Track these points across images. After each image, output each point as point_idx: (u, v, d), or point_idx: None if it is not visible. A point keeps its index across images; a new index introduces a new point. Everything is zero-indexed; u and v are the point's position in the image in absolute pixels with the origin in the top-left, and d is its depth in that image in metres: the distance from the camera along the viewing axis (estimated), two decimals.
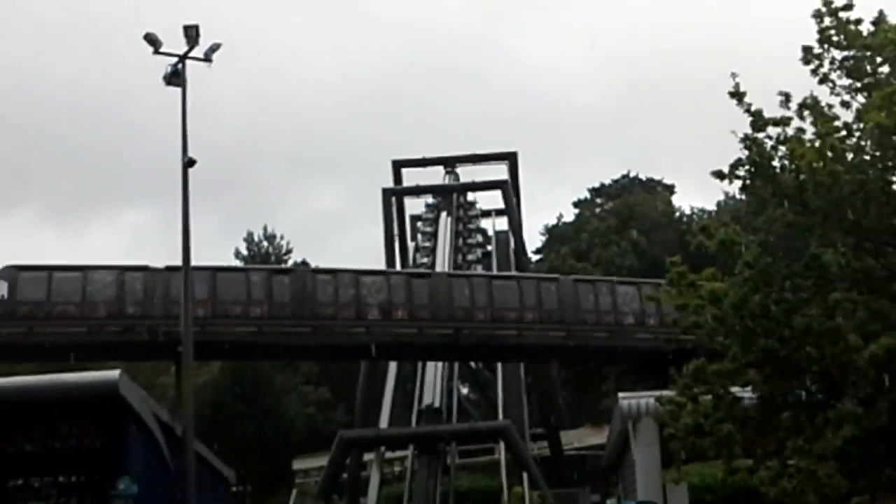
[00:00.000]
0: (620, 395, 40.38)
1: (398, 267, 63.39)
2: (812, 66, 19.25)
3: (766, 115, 18.55)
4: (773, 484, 19.03)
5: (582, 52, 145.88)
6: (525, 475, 41.67)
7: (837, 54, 19.09)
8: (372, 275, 51.77)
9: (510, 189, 66.93)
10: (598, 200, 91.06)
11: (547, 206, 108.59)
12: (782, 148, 18.36)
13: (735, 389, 19.29)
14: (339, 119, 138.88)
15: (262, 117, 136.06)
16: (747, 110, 18.57)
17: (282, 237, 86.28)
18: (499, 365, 56.46)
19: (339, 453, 46.15)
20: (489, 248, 69.24)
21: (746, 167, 18.72)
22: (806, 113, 18.63)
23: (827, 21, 18.98)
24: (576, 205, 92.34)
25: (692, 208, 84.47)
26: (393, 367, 52.98)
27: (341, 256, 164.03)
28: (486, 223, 71.74)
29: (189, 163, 27.20)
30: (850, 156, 17.73)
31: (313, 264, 79.91)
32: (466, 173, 70.44)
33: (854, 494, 18.53)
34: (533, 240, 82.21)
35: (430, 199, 70.04)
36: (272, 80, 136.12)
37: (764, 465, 19.29)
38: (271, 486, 52.17)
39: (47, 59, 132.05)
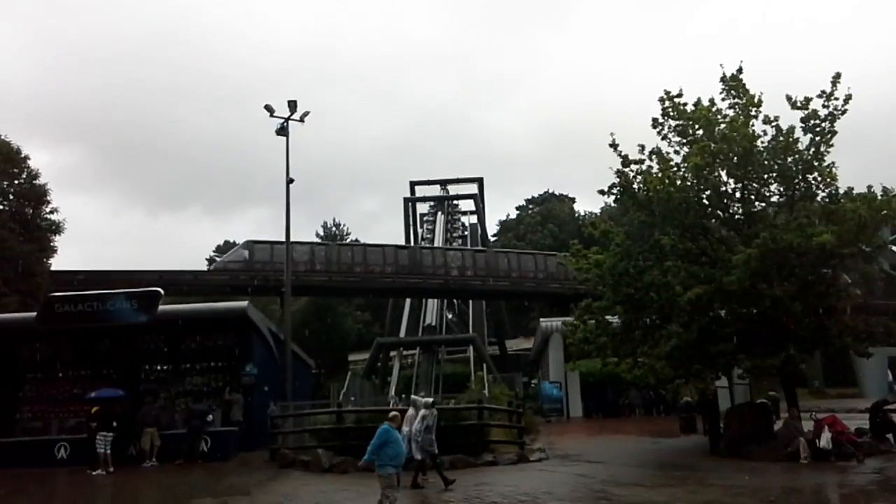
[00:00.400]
0: (541, 319, 40.62)
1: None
2: (657, 129, 19.21)
3: (630, 157, 18.62)
4: (629, 372, 19.20)
5: (523, 118, 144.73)
6: (484, 365, 41.76)
7: (672, 123, 19.04)
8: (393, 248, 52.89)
9: (479, 199, 67.07)
10: (530, 206, 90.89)
11: (500, 210, 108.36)
12: (639, 177, 18.40)
13: (608, 317, 19.37)
14: (378, 156, 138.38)
15: (333, 154, 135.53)
16: (619, 154, 18.63)
17: (344, 225, 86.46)
18: (470, 301, 56.52)
19: (376, 352, 46.31)
20: (466, 234, 69.38)
21: (618, 188, 18.71)
22: (653, 157, 18.68)
23: (667, 103, 18.97)
24: (517, 209, 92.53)
25: (586, 212, 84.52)
26: (408, 302, 53.04)
27: (378, 237, 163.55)
28: (464, 219, 71.98)
29: (290, 181, 27.35)
30: (678, 182, 17.74)
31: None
32: (453, 189, 70.44)
33: (676, 378, 18.65)
34: (492, 229, 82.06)
35: (431, 204, 70.03)
36: (340, 131, 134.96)
37: (624, 361, 19.40)
38: (335, 370, 52.10)
39: (216, 116, 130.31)
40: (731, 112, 18.75)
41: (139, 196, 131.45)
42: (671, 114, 18.96)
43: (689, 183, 17.84)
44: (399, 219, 65.74)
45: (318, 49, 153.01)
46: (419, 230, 67.01)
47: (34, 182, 38.42)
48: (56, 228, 39.07)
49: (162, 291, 21.78)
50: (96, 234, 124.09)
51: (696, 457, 18.56)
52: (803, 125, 17.85)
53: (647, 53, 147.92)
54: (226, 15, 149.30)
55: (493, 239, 76.89)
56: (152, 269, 45.66)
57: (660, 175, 17.85)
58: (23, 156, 38.05)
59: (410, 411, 15.39)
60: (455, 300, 58.34)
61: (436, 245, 60.83)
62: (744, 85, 18.68)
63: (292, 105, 27.23)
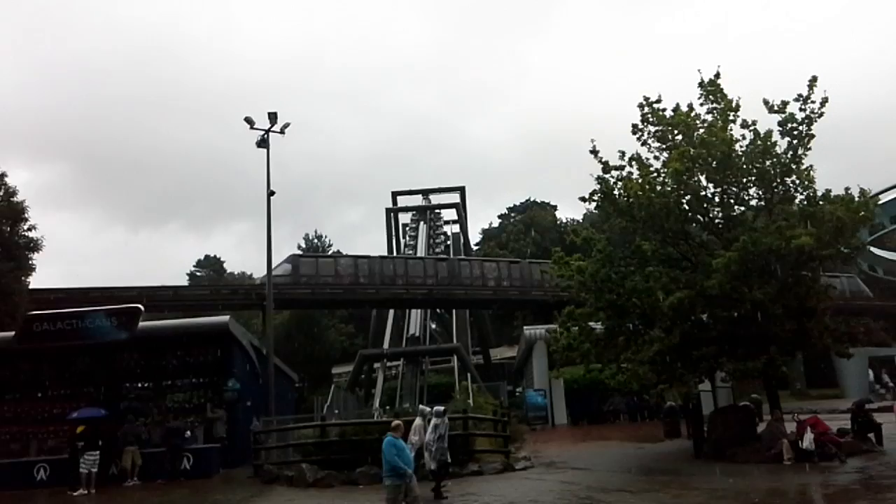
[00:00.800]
0: (525, 327, 40.65)
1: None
2: (637, 136, 19.29)
3: (611, 164, 18.67)
4: (612, 378, 19.22)
5: (505, 127, 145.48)
6: (468, 375, 41.63)
7: (652, 129, 19.12)
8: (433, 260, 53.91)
9: (461, 208, 67.11)
10: (513, 214, 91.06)
11: (483, 219, 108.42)
12: (620, 183, 18.45)
13: (591, 324, 19.39)
14: (361, 167, 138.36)
15: (316, 167, 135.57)
16: (600, 161, 18.68)
17: (325, 236, 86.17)
18: (454, 310, 56.41)
19: (360, 363, 46.03)
20: (448, 243, 69.30)
21: (599, 194, 18.76)
22: (633, 163, 18.73)
23: (646, 109, 19.06)
24: (500, 217, 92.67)
25: (568, 219, 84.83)
26: (391, 313, 52.87)
27: (361, 248, 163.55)
28: (446, 228, 71.87)
29: (270, 193, 27.19)
30: (658, 188, 17.83)
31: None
32: (435, 198, 70.45)
33: (660, 384, 18.70)
34: (475, 238, 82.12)
35: (413, 214, 69.95)
36: (322, 144, 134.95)
37: (608, 367, 19.42)
38: (319, 383, 51.78)
39: (198, 130, 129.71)
40: (709, 117, 18.87)
41: (120, 212, 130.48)
42: (650, 119, 19.04)
43: (669, 188, 17.92)
44: (382, 230, 65.76)
45: (299, 62, 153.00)
46: (402, 240, 66.93)
47: (11, 199, 37.85)
48: (34, 246, 38.40)
49: (142, 308, 21.57)
50: (77, 251, 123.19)
51: (681, 461, 18.61)
52: (781, 129, 17.97)
53: (627, 60, 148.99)
54: (207, 29, 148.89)
55: (475, 248, 76.91)
56: (131, 285, 45.22)
57: (640, 181, 17.91)
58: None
59: (417, 421, 15.25)
60: (439, 310, 58.23)
61: (418, 254, 60.94)
62: (721, 90, 18.79)
63: (272, 117, 27.11)
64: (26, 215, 37.74)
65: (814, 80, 17.63)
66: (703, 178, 18.33)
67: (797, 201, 18.18)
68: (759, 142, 17.99)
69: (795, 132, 17.85)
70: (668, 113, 18.93)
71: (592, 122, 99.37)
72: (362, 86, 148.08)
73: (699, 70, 19.16)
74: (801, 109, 17.79)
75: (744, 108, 18.63)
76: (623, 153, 18.73)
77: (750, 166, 18.11)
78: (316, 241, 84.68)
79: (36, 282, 40.26)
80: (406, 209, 68.95)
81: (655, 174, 18.32)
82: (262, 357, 25.74)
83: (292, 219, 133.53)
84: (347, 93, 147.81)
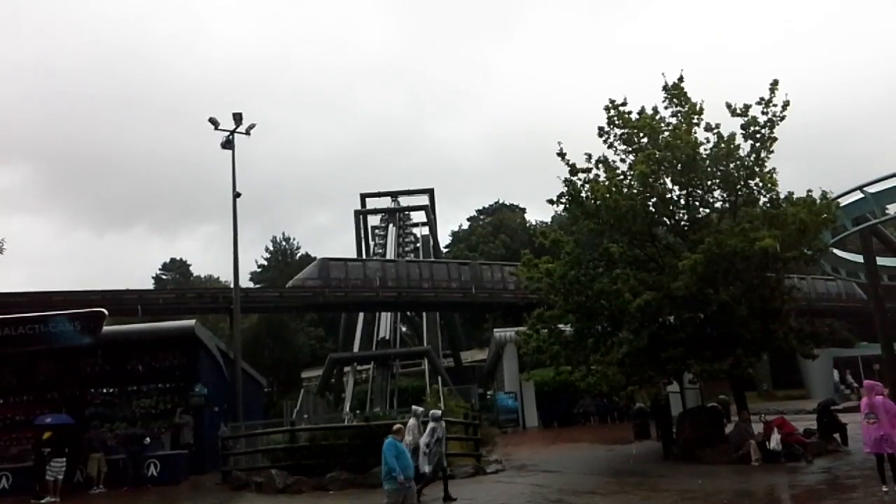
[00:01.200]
0: (495, 330, 40.77)
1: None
2: (604, 138, 19.42)
3: (578, 166, 18.81)
4: (582, 380, 19.24)
5: (473, 130, 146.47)
6: (439, 378, 41.70)
7: (618, 131, 19.27)
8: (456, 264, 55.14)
9: (430, 210, 67.23)
10: (482, 217, 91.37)
11: (452, 221, 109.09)
12: (587, 186, 18.59)
13: (560, 326, 19.50)
14: (329, 170, 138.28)
15: (284, 169, 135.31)
16: (567, 163, 18.81)
17: (294, 239, 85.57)
18: (424, 313, 56.40)
19: (330, 367, 45.85)
20: (418, 245, 69.30)
21: (566, 197, 18.87)
22: (600, 165, 18.89)
23: (612, 112, 19.21)
24: (469, 219, 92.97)
25: (537, 221, 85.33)
26: (361, 316, 52.73)
27: (331, 251, 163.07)
28: (416, 230, 71.85)
29: (237, 195, 27.04)
30: (625, 190, 17.98)
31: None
32: (404, 201, 70.47)
33: (629, 385, 18.87)
34: (444, 240, 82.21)
35: (382, 217, 69.86)
36: (290, 146, 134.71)
37: (577, 369, 19.50)
38: (288, 388, 51.52)
39: (163, 133, 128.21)
40: (673, 120, 19.09)
41: (84, 216, 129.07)
42: (616, 122, 19.17)
43: (635, 191, 18.07)
44: (352, 232, 65.61)
45: (266, 63, 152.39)
46: (371, 243, 66.82)
47: None
48: None
49: (106, 312, 21.28)
50: (41, 255, 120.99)
51: (650, 462, 18.80)
52: (744, 132, 18.25)
53: (593, 64, 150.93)
54: (172, 29, 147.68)
55: (445, 250, 77.02)
56: (95, 289, 44.58)
57: (607, 183, 18.04)
58: None
59: (411, 421, 15.21)
60: (409, 313, 58.19)
61: (388, 256, 60.97)
62: (685, 93, 19.02)
63: (237, 118, 26.93)
64: None
65: (775, 83, 17.94)
66: (668, 181, 18.54)
67: (761, 203, 18.43)
68: (722, 145, 18.27)
69: (758, 135, 18.14)
70: (634, 116, 19.09)
71: (560, 125, 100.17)
72: (330, 88, 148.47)
73: (663, 74, 19.39)
74: (763, 113, 18.10)
75: (707, 112, 18.94)
76: (590, 155, 18.88)
77: (714, 169, 18.38)
78: (284, 243, 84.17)
79: None
80: (375, 211, 68.94)
81: (622, 177, 18.47)
82: (230, 361, 25.54)
83: (260, 221, 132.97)
84: (315, 95, 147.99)
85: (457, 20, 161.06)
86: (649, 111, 19.15)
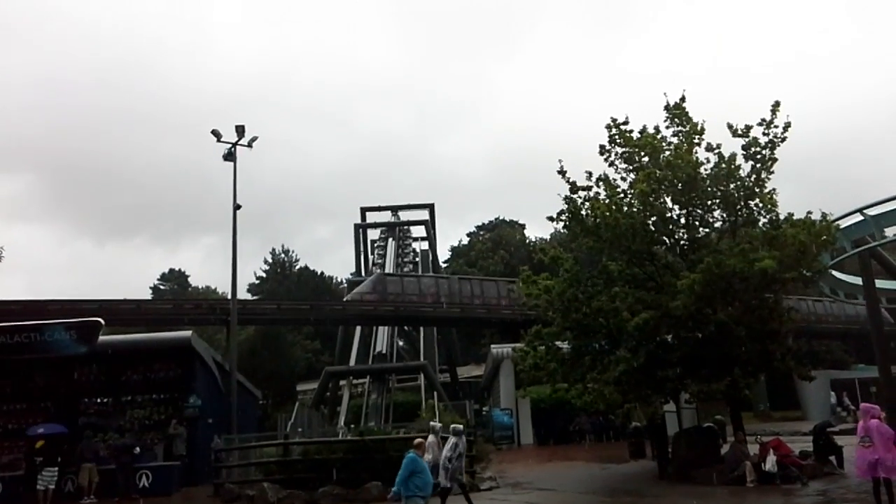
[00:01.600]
0: (492, 345, 40.70)
1: (363, 272, 63.59)
2: (605, 156, 19.41)
3: (578, 184, 18.80)
4: (579, 398, 19.23)
5: (474, 147, 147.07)
6: (435, 393, 41.50)
7: (619, 150, 19.26)
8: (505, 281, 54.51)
9: (430, 225, 67.22)
10: (482, 232, 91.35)
11: (452, 236, 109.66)
12: (587, 203, 18.59)
13: (558, 343, 19.45)
14: (332, 184, 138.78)
15: (287, 183, 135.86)
16: (567, 181, 18.81)
17: (293, 252, 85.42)
18: (421, 328, 56.28)
19: (325, 381, 45.62)
20: (417, 260, 69.25)
21: (566, 214, 18.86)
22: (601, 183, 18.88)
23: (613, 130, 19.21)
24: (468, 235, 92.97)
25: (536, 237, 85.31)
26: (358, 329, 52.58)
27: (330, 265, 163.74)
28: (415, 245, 71.82)
29: (237, 207, 27.08)
30: (625, 209, 17.97)
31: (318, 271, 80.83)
32: (404, 215, 70.44)
33: (625, 403, 18.81)
34: (443, 255, 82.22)
35: (382, 231, 69.82)
36: (294, 160, 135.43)
37: (574, 387, 19.42)
38: (283, 401, 51.31)
39: (168, 144, 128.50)
40: (675, 140, 19.09)
41: (87, 225, 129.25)
42: (618, 141, 19.17)
43: (635, 209, 18.04)
44: (351, 246, 65.60)
45: (271, 79, 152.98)
46: (370, 256, 66.76)
47: None
48: None
49: (102, 321, 21.23)
50: (42, 264, 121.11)
51: (645, 482, 18.70)
52: (744, 153, 18.24)
53: (595, 83, 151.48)
54: (179, 43, 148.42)
55: (444, 265, 76.97)
56: (92, 298, 44.47)
57: (607, 201, 18.04)
58: None
59: (431, 438, 15.08)
60: (406, 327, 58.07)
61: (387, 270, 60.94)
62: (687, 113, 19.04)
63: (240, 130, 27.03)
64: None
65: (776, 105, 17.96)
66: (668, 200, 18.51)
67: (760, 224, 18.42)
68: (723, 165, 18.27)
69: (759, 156, 18.13)
70: (635, 135, 19.10)
71: (561, 143, 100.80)
72: (334, 103, 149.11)
73: (665, 93, 19.42)
74: (764, 134, 18.09)
75: (708, 132, 18.94)
76: (590, 174, 18.85)
77: (714, 189, 18.37)
78: (283, 255, 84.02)
79: None
80: (375, 225, 68.88)
81: (622, 195, 18.44)
82: (226, 373, 25.45)
83: (261, 234, 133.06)
84: (319, 110, 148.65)
85: (460, 39, 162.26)
86: (651, 130, 19.18)
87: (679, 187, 18.10)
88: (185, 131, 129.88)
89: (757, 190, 18.11)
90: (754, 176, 18.16)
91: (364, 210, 68.02)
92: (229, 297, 33.80)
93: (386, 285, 50.33)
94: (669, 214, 18.67)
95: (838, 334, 56.25)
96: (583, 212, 18.60)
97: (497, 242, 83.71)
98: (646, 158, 18.99)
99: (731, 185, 18.24)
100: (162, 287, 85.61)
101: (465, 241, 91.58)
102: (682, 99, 19.20)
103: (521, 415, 35.33)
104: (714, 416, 22.18)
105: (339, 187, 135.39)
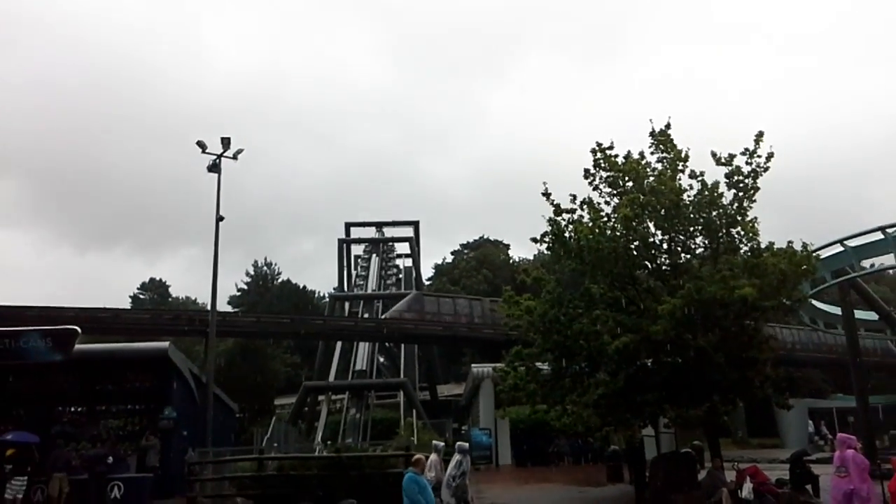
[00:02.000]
0: (473, 365, 40.60)
1: (345, 287, 63.53)
2: (589, 180, 19.47)
3: (562, 206, 18.89)
4: (558, 419, 19.15)
5: (461, 167, 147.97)
6: (414, 411, 41.40)
7: (604, 174, 19.35)
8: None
9: (414, 242, 67.22)
10: (465, 251, 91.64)
11: (436, 254, 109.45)
12: (571, 226, 18.69)
13: (538, 364, 19.49)
14: (317, 199, 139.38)
15: (272, 197, 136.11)
16: (552, 203, 18.88)
17: (275, 265, 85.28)
18: (402, 345, 56.17)
19: (304, 396, 45.47)
20: (400, 276, 69.24)
21: (550, 236, 18.94)
22: (584, 206, 19.00)
23: (598, 155, 19.33)
24: (453, 253, 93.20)
25: (519, 258, 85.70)
26: (339, 344, 52.42)
27: (313, 280, 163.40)
28: (399, 262, 71.79)
29: (220, 219, 27.00)
30: (608, 232, 18.07)
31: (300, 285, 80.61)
32: (388, 232, 70.43)
33: (605, 426, 18.82)
34: (427, 273, 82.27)
35: (366, 247, 69.76)
36: (280, 175, 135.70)
37: (553, 408, 19.42)
38: (260, 415, 50.92)
39: (152, 154, 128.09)
40: (659, 166, 19.21)
41: (68, 232, 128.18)
42: (602, 165, 19.25)
43: (618, 233, 18.11)
44: (335, 261, 65.48)
45: (261, 92, 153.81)
46: (353, 272, 66.65)
47: None
48: None
49: (78, 329, 21.04)
50: (21, 270, 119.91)
51: None
52: (727, 181, 18.39)
53: (581, 108, 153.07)
54: (167, 53, 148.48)
55: (427, 283, 76.99)
56: (70, 305, 44.09)
57: (590, 225, 18.16)
58: None
59: (433, 457, 14.94)
60: (387, 344, 57.93)
61: (370, 287, 60.93)
62: (671, 140, 19.22)
63: (225, 142, 27.04)
64: None
65: (760, 135, 18.18)
66: (651, 225, 18.59)
67: (742, 252, 18.55)
68: (706, 192, 18.43)
69: (741, 185, 18.29)
70: (620, 159, 19.21)
71: (547, 166, 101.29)
72: (323, 119, 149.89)
73: (650, 120, 19.61)
74: (747, 163, 18.26)
75: (692, 159, 19.12)
76: (574, 197, 18.95)
77: (697, 216, 18.48)
78: (265, 268, 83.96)
79: None
80: (359, 241, 68.83)
81: (606, 219, 18.57)
82: (202, 385, 25.28)
83: (245, 246, 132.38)
84: (307, 125, 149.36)
85: (450, 61, 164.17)
86: (636, 156, 19.30)
87: (662, 213, 18.23)
88: (171, 141, 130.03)
89: (739, 218, 18.26)
90: (736, 204, 18.31)
91: (348, 225, 68.02)
92: (209, 308, 33.84)
93: (423, 304, 52.26)
94: (652, 239, 18.73)
95: (817, 363, 56.70)
96: (566, 234, 18.67)
97: (481, 262, 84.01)
98: (630, 183, 19.08)
99: (714, 213, 18.39)
100: (142, 296, 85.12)
101: (450, 259, 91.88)
102: (668, 126, 19.40)
103: (499, 435, 35.25)
104: (692, 442, 22.24)
105: (324, 202, 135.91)
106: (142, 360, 22.59)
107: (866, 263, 26.54)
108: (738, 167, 18.36)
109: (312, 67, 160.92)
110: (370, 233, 70.05)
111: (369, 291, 60.90)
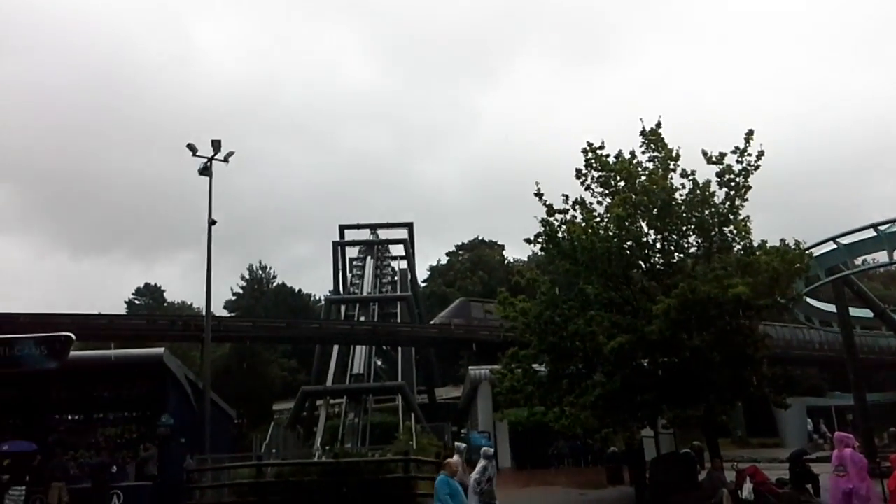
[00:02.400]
0: (470, 367, 40.74)
1: (341, 290, 63.56)
2: (581, 180, 19.66)
3: (555, 207, 19.04)
4: (556, 421, 19.28)
5: (454, 168, 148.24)
6: (412, 414, 41.42)
7: (595, 174, 19.52)
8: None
9: (409, 244, 67.23)
10: (460, 252, 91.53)
11: (431, 256, 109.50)
12: (564, 226, 18.83)
13: (535, 366, 19.57)
14: (312, 203, 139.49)
15: (267, 201, 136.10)
16: (544, 204, 19.04)
17: (270, 268, 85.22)
18: (399, 348, 56.20)
19: (301, 400, 45.42)
20: (396, 279, 69.20)
21: (543, 237, 19.08)
22: (577, 206, 19.15)
23: (590, 155, 19.48)
24: (448, 255, 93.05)
25: (515, 259, 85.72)
26: (336, 349, 52.43)
27: (308, 283, 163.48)
28: (394, 264, 71.75)
29: (212, 222, 27.12)
30: (601, 232, 18.20)
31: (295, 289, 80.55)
32: (383, 234, 70.41)
33: (603, 428, 18.91)
34: (422, 274, 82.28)
35: (361, 249, 69.73)
36: (274, 178, 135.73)
37: (551, 410, 19.54)
38: (258, 420, 50.89)
39: (146, 159, 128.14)
40: (650, 165, 19.37)
41: (63, 238, 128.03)
42: (594, 165, 19.39)
43: (611, 233, 18.25)
44: (330, 264, 65.46)
45: (253, 97, 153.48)
46: (348, 275, 66.65)
47: None
48: None
49: (73, 336, 21.07)
50: (18, 277, 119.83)
51: None
52: (719, 179, 18.56)
53: (572, 108, 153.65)
54: (159, 58, 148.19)
55: (423, 285, 76.98)
56: (65, 312, 44.08)
57: (583, 225, 18.29)
58: None
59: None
60: (385, 347, 57.94)
61: (365, 289, 60.93)
62: (662, 139, 19.35)
63: (216, 145, 27.16)
64: None
65: (750, 133, 18.32)
66: (644, 225, 18.73)
67: (735, 251, 18.70)
68: (697, 191, 18.58)
69: (733, 183, 18.44)
70: (611, 159, 19.35)
71: (539, 166, 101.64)
72: (315, 123, 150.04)
73: (641, 119, 19.75)
74: (738, 161, 18.42)
75: (683, 158, 19.26)
76: (567, 197, 19.12)
77: (689, 215, 18.62)
78: (260, 272, 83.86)
79: None
80: (353, 243, 68.75)
81: (598, 219, 18.71)
82: (199, 391, 25.33)
83: (239, 250, 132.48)
84: (300, 129, 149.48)
85: (442, 64, 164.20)
86: (627, 155, 19.43)
87: (654, 212, 18.37)
88: (165, 146, 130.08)
89: (731, 217, 18.41)
90: (728, 203, 18.46)
91: (343, 227, 67.94)
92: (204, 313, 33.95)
93: (469, 310, 53.91)
94: (645, 239, 18.86)
95: (815, 361, 56.79)
96: (559, 235, 18.83)
97: (476, 263, 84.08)
98: (622, 183, 19.20)
99: (706, 212, 18.53)
100: (137, 302, 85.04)
101: (445, 260, 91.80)
102: (658, 125, 19.53)
103: (498, 438, 35.27)
104: (692, 443, 22.34)
105: (318, 205, 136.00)
106: (137, 366, 22.54)
107: (859, 261, 26.70)
108: (729, 166, 18.51)
109: (304, 71, 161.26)
110: (364, 235, 69.99)
111: (365, 294, 60.93)
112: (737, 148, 18.42)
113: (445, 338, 52.94)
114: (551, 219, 18.96)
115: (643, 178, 18.90)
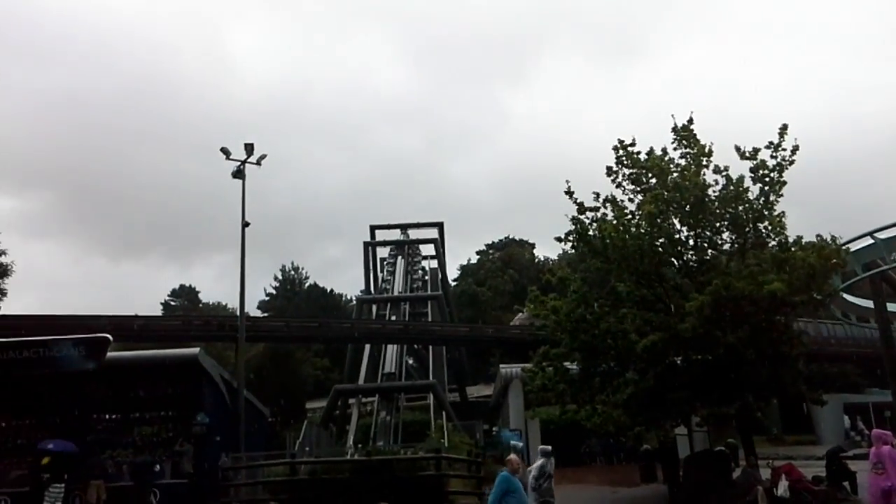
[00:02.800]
0: (501, 366, 40.61)
1: (372, 290, 63.79)
2: (612, 178, 19.49)
3: (586, 205, 18.88)
4: (588, 419, 19.21)
5: (485, 168, 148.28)
6: (444, 413, 41.40)
7: (626, 171, 19.34)
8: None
9: (439, 244, 67.27)
10: (491, 251, 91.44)
11: (461, 255, 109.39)
12: (595, 224, 18.68)
13: (566, 364, 19.46)
14: (343, 204, 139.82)
15: (299, 202, 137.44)
16: (575, 202, 18.89)
17: (303, 269, 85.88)
18: (430, 346, 56.23)
19: (334, 399, 45.55)
20: (426, 278, 69.27)
21: (574, 235, 18.94)
22: (608, 204, 18.97)
23: (621, 152, 19.32)
24: (478, 254, 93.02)
25: (545, 258, 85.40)
26: (367, 348, 52.61)
27: (340, 283, 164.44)
28: (424, 263, 71.82)
29: (245, 224, 27.37)
30: (633, 230, 18.01)
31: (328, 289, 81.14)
32: (413, 233, 70.54)
33: (635, 426, 18.75)
34: (452, 274, 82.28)
35: (391, 249, 69.91)
36: (306, 180, 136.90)
37: (583, 408, 19.44)
38: (292, 419, 51.28)
39: (183, 162, 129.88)
40: (682, 161, 19.08)
41: (102, 242, 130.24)
42: (625, 162, 19.23)
43: (643, 230, 18.02)
44: (360, 263, 65.75)
45: (285, 102, 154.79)
46: (379, 274, 66.86)
47: None
48: (4, 271, 38.32)
49: (110, 338, 21.38)
50: (57, 280, 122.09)
51: None
52: (752, 175, 18.25)
53: (603, 106, 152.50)
54: (197, 64, 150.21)
55: (453, 284, 76.96)
56: (102, 314, 44.76)
57: (615, 222, 18.14)
58: None
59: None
60: (416, 346, 58.03)
61: (396, 289, 61.06)
62: (694, 135, 19.06)
63: (249, 148, 27.39)
64: None
65: (784, 128, 17.97)
66: (676, 222, 18.53)
67: (769, 247, 18.38)
68: (731, 187, 18.30)
69: (767, 179, 18.12)
70: (643, 156, 19.17)
71: (570, 164, 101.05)
72: (347, 126, 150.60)
73: (672, 115, 19.46)
74: (772, 157, 18.10)
75: (716, 154, 18.95)
76: (598, 195, 18.95)
77: (723, 211, 18.35)
78: (292, 273, 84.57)
79: (12, 308, 40.12)
80: (384, 243, 68.99)
81: (630, 216, 18.50)
82: (234, 390, 25.56)
83: (272, 251, 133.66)
84: (332, 131, 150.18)
85: (472, 65, 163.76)
86: (658, 152, 19.20)
87: (687, 209, 18.13)
88: (200, 151, 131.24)
89: (766, 212, 18.09)
90: (763, 198, 18.15)
91: (374, 228, 68.24)
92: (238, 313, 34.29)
93: None
94: (677, 236, 18.66)
95: (851, 357, 55.73)
96: (590, 232, 18.67)
97: (506, 262, 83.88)
98: (653, 180, 19.03)
99: (740, 208, 18.22)
100: (172, 303, 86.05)
101: (475, 259, 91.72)
102: (690, 121, 19.22)
103: (530, 436, 35.12)
104: (726, 440, 22.05)
105: (349, 207, 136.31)
106: (173, 366, 22.84)
107: None
108: (762, 161, 18.19)
109: (337, 74, 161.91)
110: (395, 235, 70.22)
111: (396, 293, 61.07)
112: (770, 143, 18.09)
113: (476, 336, 52.82)
114: (582, 217, 18.80)
115: (675, 174, 18.68)
